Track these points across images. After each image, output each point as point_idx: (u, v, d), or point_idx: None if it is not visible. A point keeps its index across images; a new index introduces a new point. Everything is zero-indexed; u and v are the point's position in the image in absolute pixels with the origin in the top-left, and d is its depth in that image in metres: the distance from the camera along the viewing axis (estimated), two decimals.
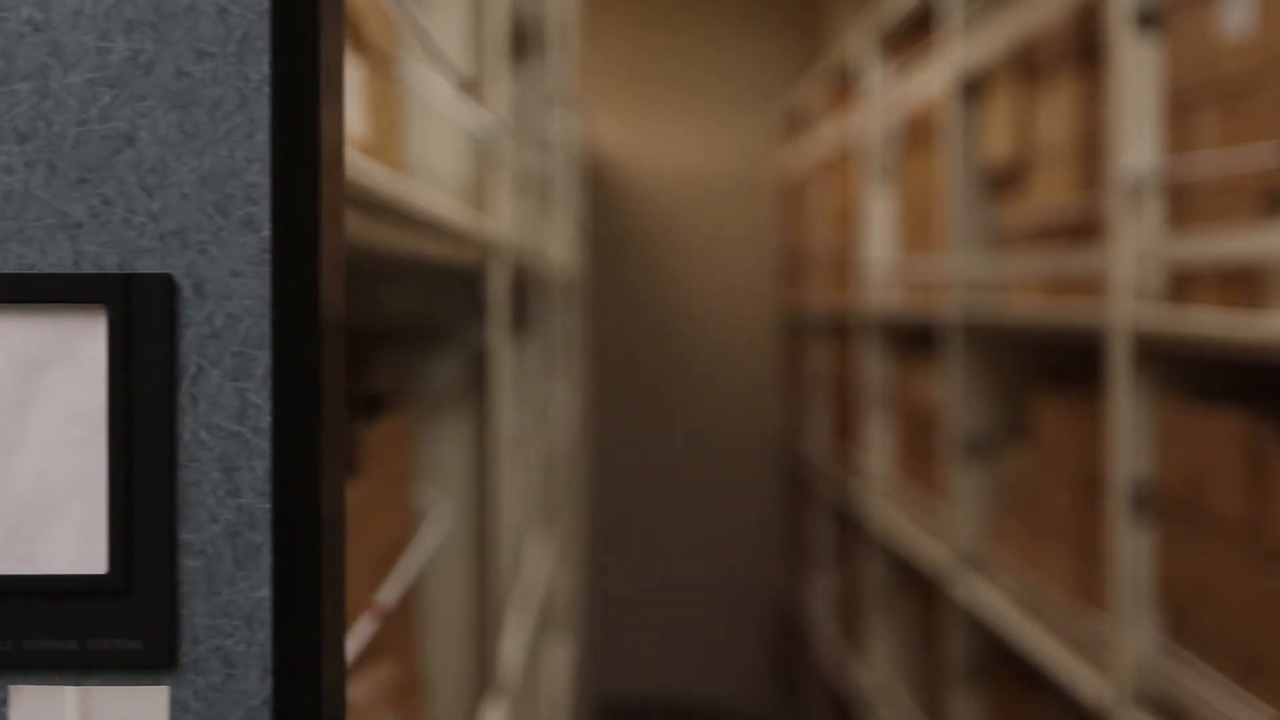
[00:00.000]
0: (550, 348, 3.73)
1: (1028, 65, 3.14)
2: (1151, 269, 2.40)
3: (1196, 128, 2.30)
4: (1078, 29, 2.82)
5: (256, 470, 0.73)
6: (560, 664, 4.02)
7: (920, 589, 4.22)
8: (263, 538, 0.73)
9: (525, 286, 3.06)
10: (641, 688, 7.17)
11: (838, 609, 5.66)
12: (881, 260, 4.65)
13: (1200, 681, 2.24)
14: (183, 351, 0.73)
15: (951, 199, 3.58)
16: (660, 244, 7.29)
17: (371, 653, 1.46)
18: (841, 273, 5.39)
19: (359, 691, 1.38)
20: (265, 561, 0.73)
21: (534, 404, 3.33)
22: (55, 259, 0.73)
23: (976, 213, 3.49)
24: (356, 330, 1.93)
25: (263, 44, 0.73)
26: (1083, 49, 2.79)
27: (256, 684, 0.73)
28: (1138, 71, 2.41)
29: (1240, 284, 2.16)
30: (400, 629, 1.67)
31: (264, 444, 0.73)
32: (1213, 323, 2.15)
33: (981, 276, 3.42)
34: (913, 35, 4.30)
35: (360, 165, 1.09)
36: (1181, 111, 2.35)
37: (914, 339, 4.32)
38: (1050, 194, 2.97)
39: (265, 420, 0.73)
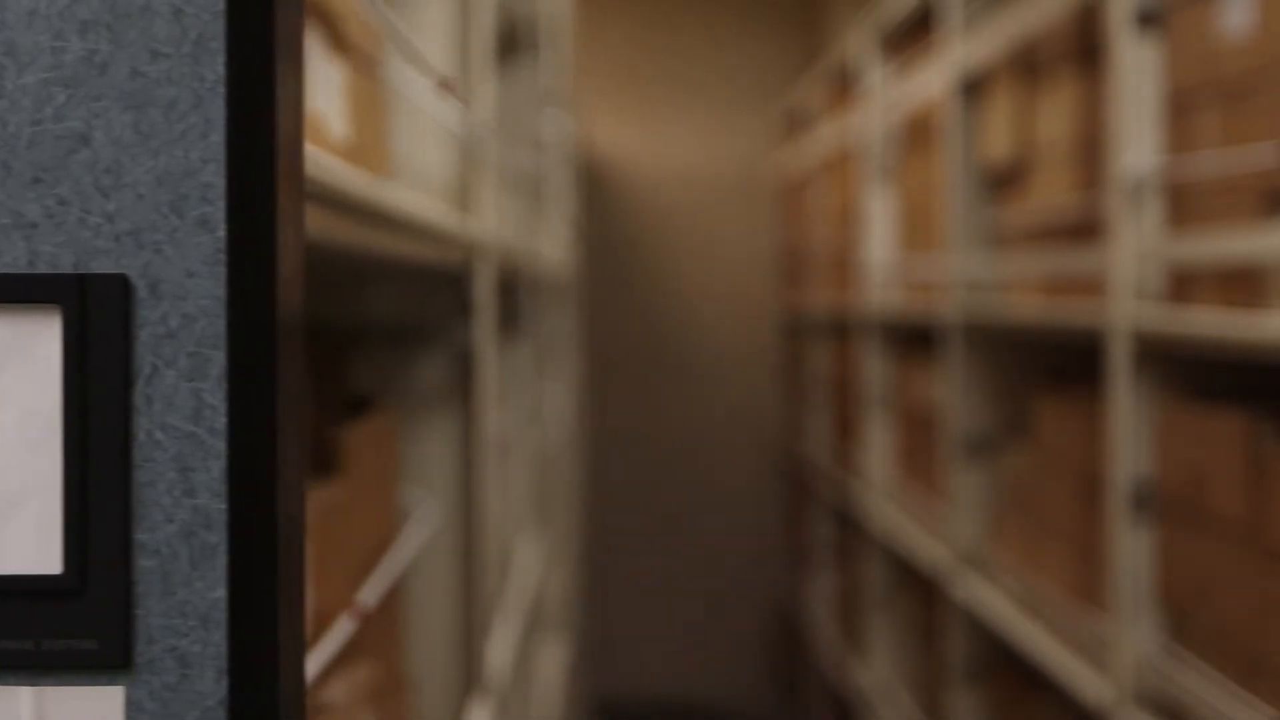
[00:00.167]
0: (543, 348, 3.72)
1: (1028, 65, 3.14)
2: (1151, 269, 2.40)
3: (1196, 128, 2.30)
4: (1078, 29, 2.81)
5: (212, 471, 0.73)
6: (553, 665, 4.01)
7: (920, 589, 4.22)
8: (218, 538, 0.73)
9: (515, 287, 3.06)
10: (642, 688, 7.16)
11: (838, 609, 5.66)
12: (881, 260, 4.65)
13: (1200, 681, 2.24)
14: (138, 352, 0.73)
15: (951, 199, 3.58)
16: (661, 244, 7.29)
17: (352, 652, 1.45)
18: (841, 273, 5.38)
19: (338, 691, 1.38)
20: (220, 562, 0.73)
21: (526, 404, 3.33)
22: (10, 259, 0.73)
23: (976, 213, 3.49)
24: (339, 330, 1.93)
25: (218, 45, 0.73)
26: (1083, 49, 2.79)
27: (212, 684, 0.73)
28: (1138, 71, 2.41)
29: (1240, 284, 2.16)
30: (384, 629, 1.66)
31: (219, 444, 0.73)
32: (1213, 323, 2.14)
33: (981, 276, 3.41)
34: (913, 35, 4.30)
35: (331, 166, 1.08)
36: (1181, 111, 2.35)
37: (914, 339, 4.32)
38: (1050, 194, 2.97)
39: (221, 421, 0.73)
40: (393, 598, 1.72)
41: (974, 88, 3.50)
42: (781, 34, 7.35)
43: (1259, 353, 2.02)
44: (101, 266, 0.73)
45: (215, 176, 0.73)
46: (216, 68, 0.73)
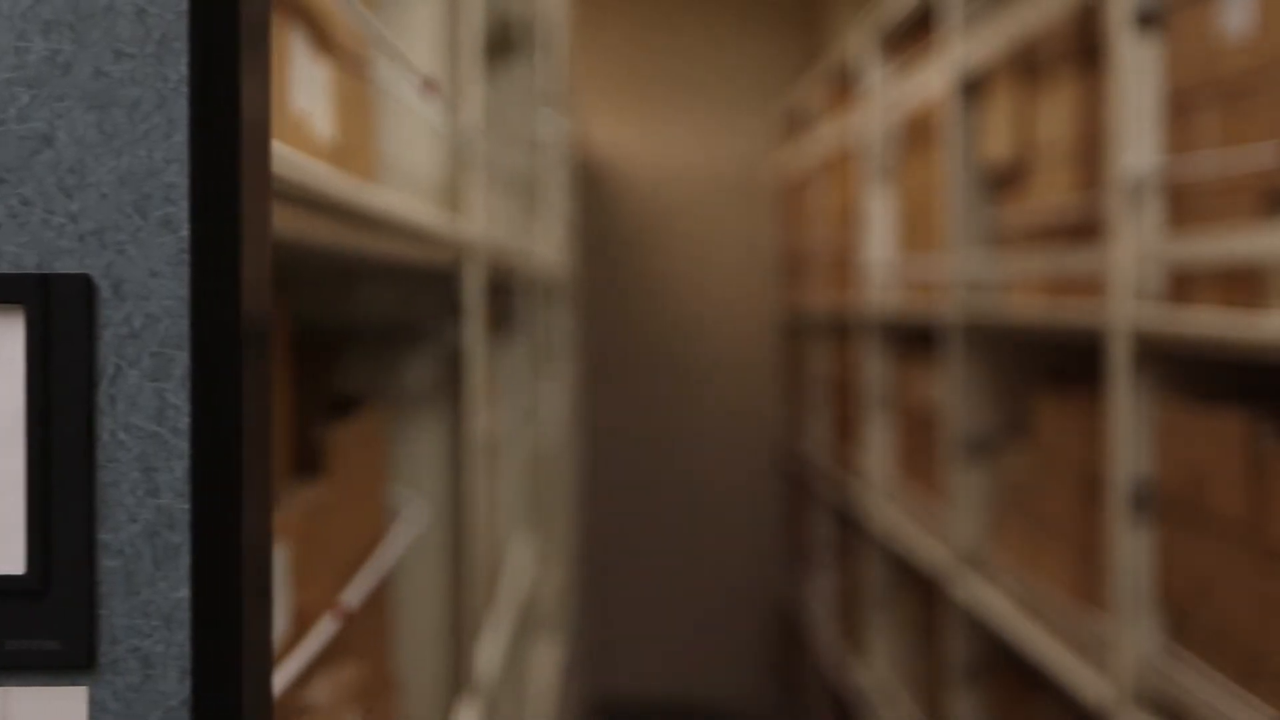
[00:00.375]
0: (538, 348, 3.72)
1: (1028, 65, 3.14)
2: (1151, 269, 2.39)
3: (1196, 128, 2.29)
4: (1078, 29, 2.81)
5: (175, 471, 0.73)
6: (547, 665, 4.01)
7: (920, 589, 4.21)
8: (182, 538, 0.73)
9: (509, 287, 3.06)
10: (642, 688, 7.16)
11: (838, 609, 5.66)
12: (881, 260, 4.64)
13: (1200, 681, 2.24)
14: (101, 352, 0.73)
15: (951, 199, 3.58)
16: (661, 244, 7.28)
17: (337, 653, 1.45)
18: (841, 273, 5.38)
19: (322, 691, 1.38)
20: (184, 562, 0.73)
21: (520, 404, 3.33)
22: None
23: (976, 213, 3.49)
24: (328, 331, 1.93)
25: (181, 45, 0.73)
26: (1083, 49, 2.79)
27: (175, 684, 0.73)
28: (1138, 71, 2.40)
29: (1240, 284, 2.16)
30: (370, 629, 1.66)
31: (183, 444, 0.73)
32: (1213, 323, 2.14)
33: (981, 276, 3.41)
34: (913, 35, 4.30)
35: (308, 166, 1.08)
36: (1181, 111, 2.35)
37: (914, 339, 4.32)
38: (1050, 194, 2.97)
39: (184, 421, 0.73)
40: (380, 598, 1.72)
41: (974, 88, 3.50)
42: (781, 34, 7.35)
43: (1259, 353, 2.02)
44: (65, 266, 0.73)
45: (179, 176, 0.73)
46: (180, 68, 0.73)
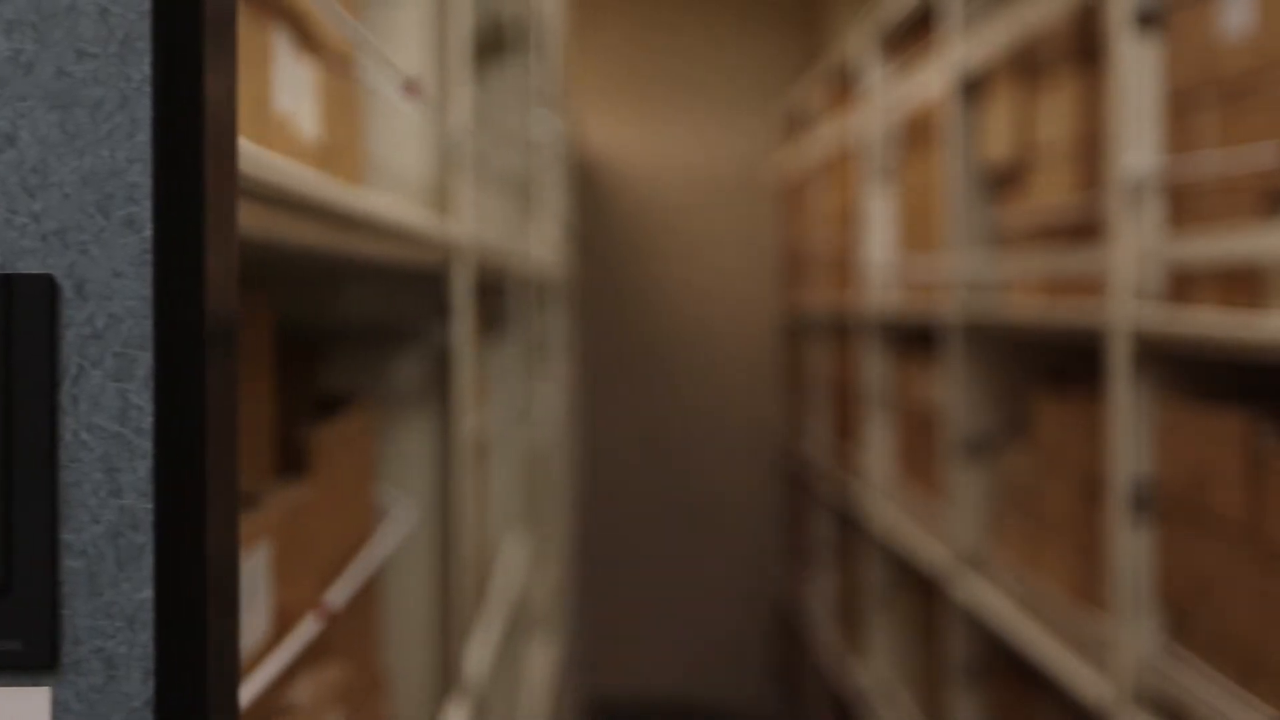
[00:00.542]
0: (531, 348, 3.72)
1: (1028, 65, 3.14)
2: (1151, 269, 2.39)
3: (1196, 128, 2.29)
4: (1078, 29, 2.81)
5: (139, 471, 0.73)
6: (542, 665, 4.01)
7: (920, 589, 4.21)
8: (145, 538, 0.73)
9: (501, 287, 3.05)
10: (642, 688, 7.16)
11: (838, 609, 5.66)
12: (881, 260, 4.64)
13: (1200, 681, 2.24)
14: (64, 352, 0.73)
15: (951, 199, 3.58)
16: (661, 244, 7.29)
17: (320, 652, 1.45)
18: (841, 273, 5.38)
19: (304, 691, 1.37)
20: (147, 563, 0.73)
21: (514, 404, 3.33)
22: None
23: (976, 213, 3.49)
24: (315, 331, 1.93)
25: (144, 44, 0.73)
26: (1083, 49, 2.79)
27: (138, 685, 0.73)
28: (1138, 71, 2.40)
29: (1240, 284, 2.16)
30: (356, 629, 1.66)
31: (146, 444, 0.73)
32: (1213, 323, 2.14)
33: (981, 276, 3.41)
34: (913, 35, 4.30)
35: (281, 166, 1.07)
36: (1181, 111, 2.34)
37: (914, 339, 4.32)
38: (1050, 194, 2.97)
39: (147, 421, 0.73)
40: (367, 597, 1.72)
41: (974, 88, 3.50)
42: (781, 34, 7.35)
43: (1259, 353, 2.02)
44: (27, 266, 0.73)
45: (142, 176, 0.73)
46: (143, 67, 0.73)
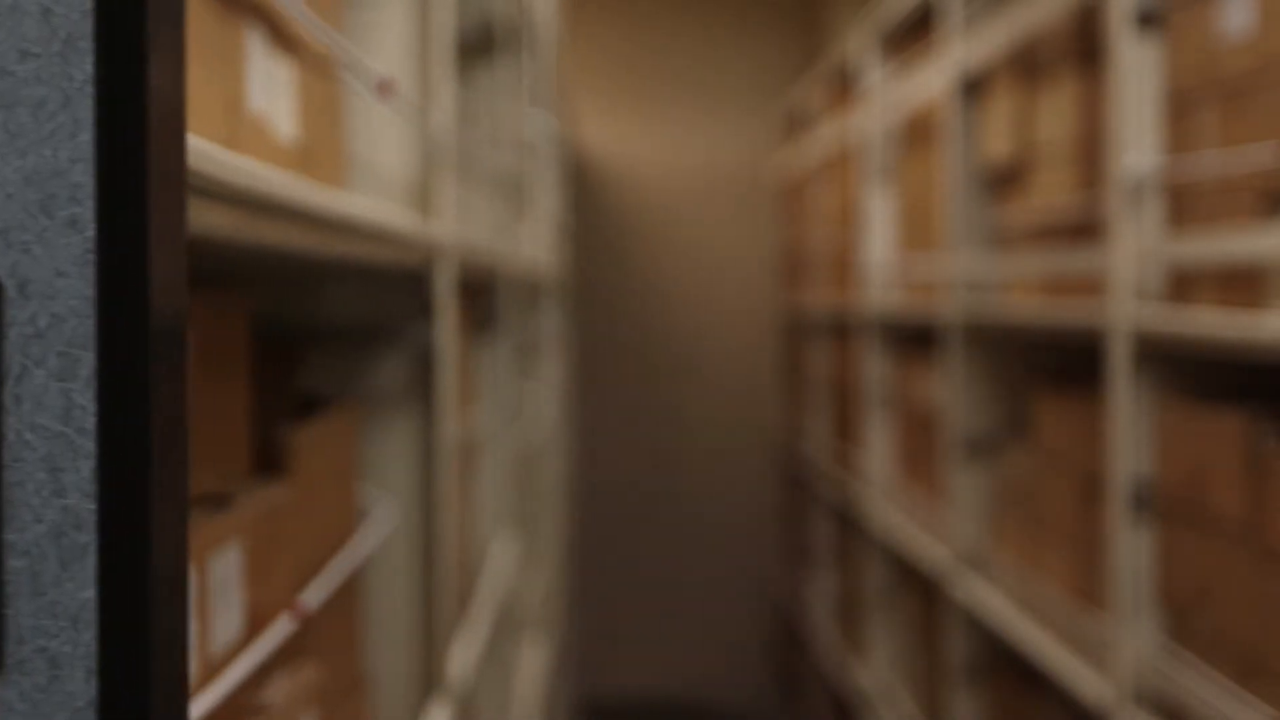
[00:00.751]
0: (523, 348, 3.72)
1: (1028, 65, 3.14)
2: (1151, 269, 2.40)
3: (1196, 128, 2.30)
4: (1078, 29, 2.81)
5: (82, 471, 0.73)
6: (533, 666, 4.01)
7: (920, 589, 4.22)
8: (88, 538, 0.73)
9: (490, 287, 3.05)
10: (642, 688, 7.17)
11: (838, 609, 5.66)
12: (881, 260, 4.65)
13: (1200, 681, 2.24)
14: (7, 352, 0.73)
15: (951, 199, 3.58)
16: (662, 244, 7.29)
17: (296, 653, 1.44)
18: (841, 273, 5.38)
19: (277, 692, 1.37)
20: (90, 562, 0.73)
21: (504, 404, 3.33)
22: None
23: (976, 213, 3.49)
24: (296, 331, 1.92)
25: (86, 44, 0.73)
26: (1083, 49, 2.79)
27: (82, 685, 0.73)
28: (1138, 71, 2.41)
29: (1240, 284, 2.16)
30: (335, 630, 1.65)
31: (89, 444, 0.73)
32: (1213, 323, 2.14)
33: (981, 276, 3.41)
34: (913, 35, 4.30)
35: (243, 166, 1.06)
36: (1181, 111, 2.35)
37: (914, 339, 4.32)
38: (1050, 194, 2.97)
39: (90, 421, 0.73)
40: (347, 598, 1.71)
41: (974, 88, 3.50)
42: (781, 34, 7.35)
43: (1259, 353, 2.02)
44: None
45: (84, 176, 0.73)
46: (85, 67, 0.73)
